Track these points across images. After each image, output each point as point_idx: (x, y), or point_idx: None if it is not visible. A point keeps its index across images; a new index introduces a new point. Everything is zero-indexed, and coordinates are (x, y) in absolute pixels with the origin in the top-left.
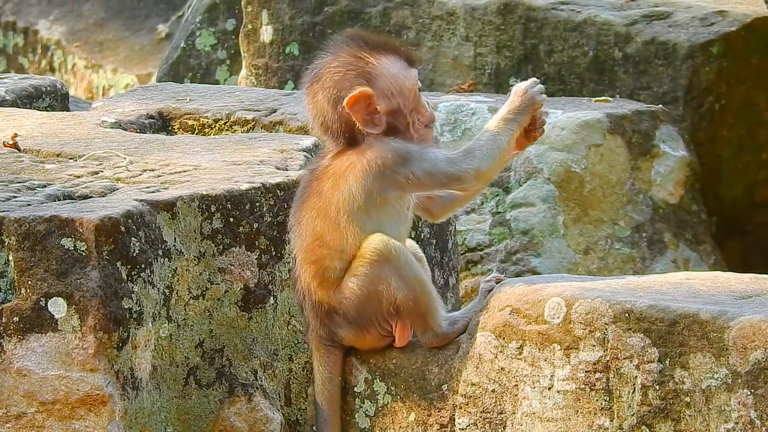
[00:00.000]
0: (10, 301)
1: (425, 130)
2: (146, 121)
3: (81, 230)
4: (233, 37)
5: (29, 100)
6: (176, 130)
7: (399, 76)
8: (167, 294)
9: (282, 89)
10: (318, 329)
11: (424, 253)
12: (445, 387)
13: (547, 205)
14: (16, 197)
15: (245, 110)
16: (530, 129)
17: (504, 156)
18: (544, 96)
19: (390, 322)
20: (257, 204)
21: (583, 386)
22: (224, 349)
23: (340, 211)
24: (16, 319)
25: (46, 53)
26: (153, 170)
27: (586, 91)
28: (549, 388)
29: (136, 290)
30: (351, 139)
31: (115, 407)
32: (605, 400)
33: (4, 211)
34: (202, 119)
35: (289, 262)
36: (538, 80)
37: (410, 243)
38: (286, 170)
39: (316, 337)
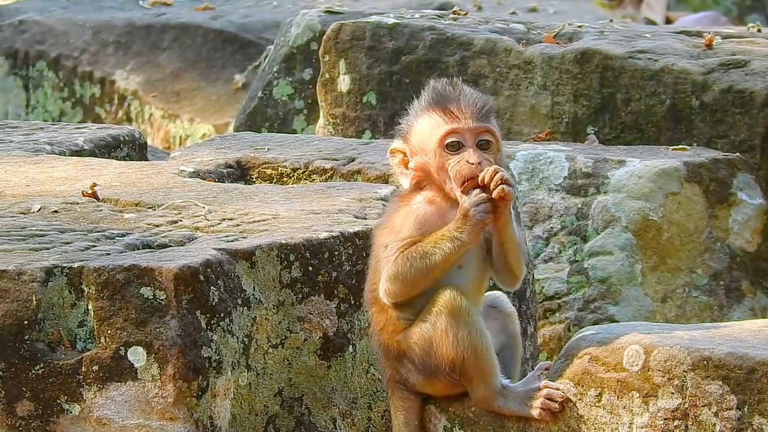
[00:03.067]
0: (89, 350)
1: (459, 190)
2: (224, 171)
3: (160, 279)
4: (310, 86)
5: (107, 149)
6: (255, 180)
7: (425, 134)
8: (246, 343)
9: (359, 138)
10: (391, 373)
11: None
12: None
13: (625, 254)
14: (95, 246)
15: (323, 159)
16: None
17: (432, 274)
18: (488, 215)
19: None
20: (336, 253)
21: None
22: (303, 397)
23: (380, 260)
24: (95, 368)
25: (122, 103)
26: (231, 219)
27: (663, 140)
28: None
29: (215, 339)
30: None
31: None
32: None
33: (83, 261)
34: (280, 168)
35: (368, 311)
36: (483, 196)
37: (499, 296)
38: (365, 219)
39: (391, 381)
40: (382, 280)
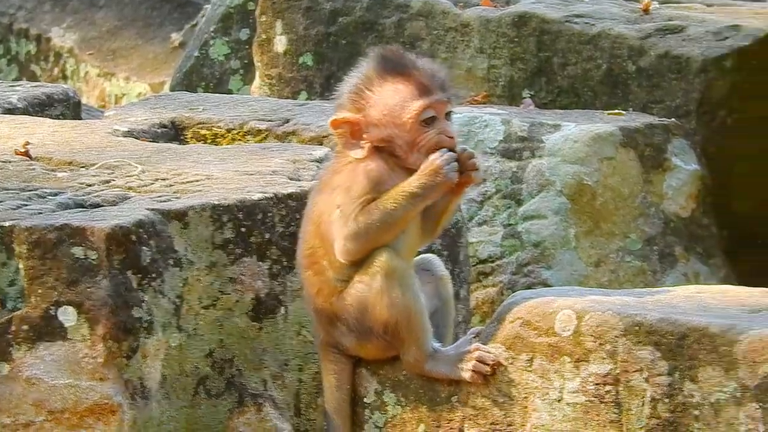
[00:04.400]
0: (20, 309)
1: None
2: (159, 131)
3: (92, 239)
4: (247, 46)
5: (41, 108)
6: (189, 140)
7: (396, 108)
8: (178, 303)
9: (295, 99)
10: (324, 336)
11: None
12: (454, 399)
13: (559, 218)
14: (27, 205)
15: (258, 120)
16: (462, 182)
17: (394, 229)
18: (456, 174)
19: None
20: (269, 214)
21: (593, 399)
22: (234, 359)
23: (326, 222)
24: (25, 327)
25: (58, 61)
26: (165, 179)
27: (599, 104)
28: (558, 401)
29: (146, 299)
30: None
31: (124, 416)
32: (615, 413)
33: (14, 220)
34: (215, 129)
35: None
36: (454, 155)
37: (432, 259)
38: (299, 180)
39: (323, 344)
40: (340, 239)
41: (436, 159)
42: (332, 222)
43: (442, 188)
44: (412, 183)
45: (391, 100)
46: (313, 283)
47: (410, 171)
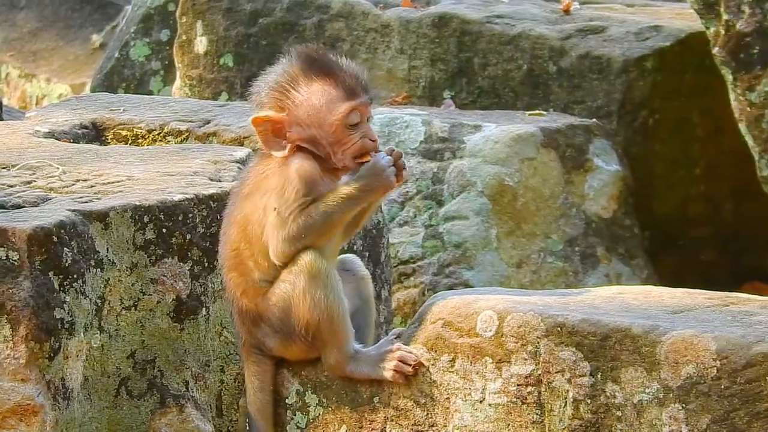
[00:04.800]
0: None
1: (352, 162)
2: (80, 132)
3: (13, 240)
4: (167, 47)
5: None
6: (110, 141)
7: (322, 109)
8: (99, 304)
9: (216, 100)
10: (247, 337)
11: None
12: (376, 399)
13: (480, 218)
14: None
15: (179, 121)
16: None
17: (332, 232)
18: (395, 177)
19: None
20: (190, 215)
21: (515, 399)
22: (156, 359)
23: (254, 224)
24: None
25: None
26: (86, 180)
27: (520, 105)
28: (480, 401)
29: (68, 300)
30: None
31: (46, 417)
32: (537, 414)
33: None
34: (135, 130)
35: (221, 273)
36: (392, 159)
37: (353, 260)
38: (219, 181)
39: (246, 346)
40: (277, 241)
41: (379, 162)
42: (266, 224)
43: (383, 191)
44: (352, 185)
45: (318, 101)
46: (238, 284)
47: (332, 171)
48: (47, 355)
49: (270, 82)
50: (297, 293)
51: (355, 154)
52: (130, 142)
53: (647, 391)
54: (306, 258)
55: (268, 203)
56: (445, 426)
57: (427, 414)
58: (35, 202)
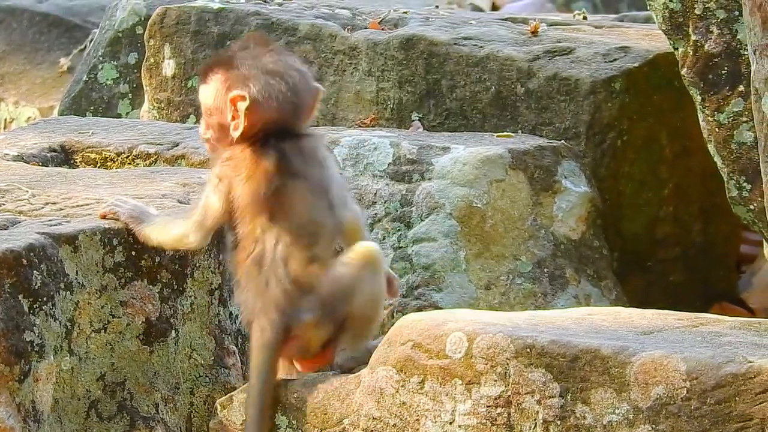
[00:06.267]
0: None
1: None
2: (49, 155)
3: None
4: (135, 70)
5: None
6: (79, 164)
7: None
8: (69, 327)
9: (184, 123)
10: (278, 314)
11: None
12: (346, 421)
13: (449, 240)
14: None
15: (147, 144)
16: None
17: None
18: None
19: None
20: None
21: (485, 421)
22: (126, 382)
23: None
24: None
25: None
26: (55, 203)
27: (488, 127)
28: (450, 423)
29: (38, 323)
30: None
31: None
32: None
33: None
34: (104, 153)
35: (191, 296)
36: None
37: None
38: (188, 204)
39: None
40: None
41: None
42: None
43: None
44: None
45: None
46: (304, 258)
47: None
48: (17, 378)
49: None
50: (357, 278)
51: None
52: (98, 165)
53: (617, 412)
54: (372, 247)
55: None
56: None
57: None
58: (4, 225)
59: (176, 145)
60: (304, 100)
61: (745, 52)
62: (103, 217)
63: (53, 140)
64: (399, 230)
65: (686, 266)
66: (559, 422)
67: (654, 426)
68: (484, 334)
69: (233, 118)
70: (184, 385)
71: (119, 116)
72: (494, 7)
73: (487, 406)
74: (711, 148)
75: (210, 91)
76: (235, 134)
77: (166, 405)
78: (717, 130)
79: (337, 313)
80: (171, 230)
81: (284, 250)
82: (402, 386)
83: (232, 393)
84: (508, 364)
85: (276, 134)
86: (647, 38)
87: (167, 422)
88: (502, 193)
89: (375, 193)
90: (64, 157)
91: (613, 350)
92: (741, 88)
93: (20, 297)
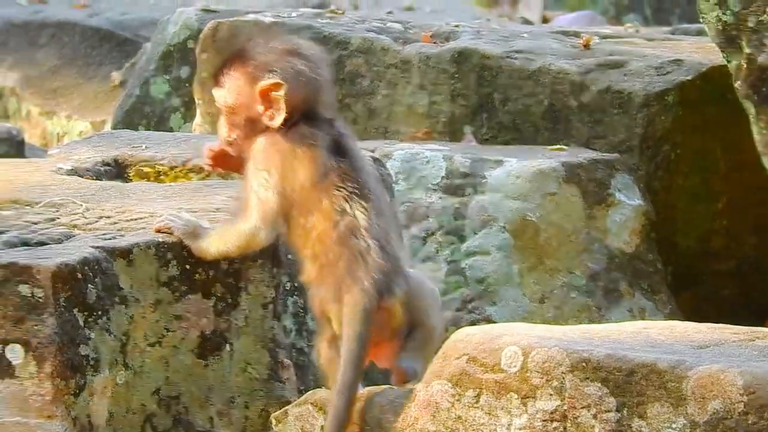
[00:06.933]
0: None
1: None
2: (102, 168)
3: (38, 277)
4: (187, 84)
5: None
6: (132, 178)
7: None
8: (124, 341)
9: None
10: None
11: None
12: None
13: (503, 254)
14: None
15: (201, 158)
16: None
17: None
18: None
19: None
20: None
21: None
22: (180, 396)
23: None
24: None
25: None
26: (109, 217)
27: (540, 140)
28: None
29: (93, 337)
30: None
31: None
32: None
33: None
34: (158, 166)
35: (245, 310)
36: None
37: None
38: None
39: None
40: None
41: None
42: None
43: None
44: None
45: None
46: None
47: None
48: (73, 392)
49: None
50: (433, 292)
51: None
52: (152, 178)
53: (674, 426)
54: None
55: None
56: None
57: None
58: (59, 239)
59: None
60: (325, 77)
61: None
62: (158, 231)
63: (107, 154)
64: (452, 244)
65: (740, 280)
66: None
67: None
68: (540, 347)
69: (267, 108)
70: (239, 399)
71: (171, 130)
72: (544, 20)
73: (543, 421)
74: (765, 160)
75: (230, 90)
76: (276, 123)
77: (220, 419)
78: None
79: (415, 309)
80: (233, 235)
81: (380, 225)
82: (457, 400)
83: (286, 407)
84: (563, 378)
85: (305, 117)
86: (700, 51)
87: None
88: (556, 206)
89: (428, 207)
90: (117, 170)
91: (669, 364)
92: None
93: (75, 311)
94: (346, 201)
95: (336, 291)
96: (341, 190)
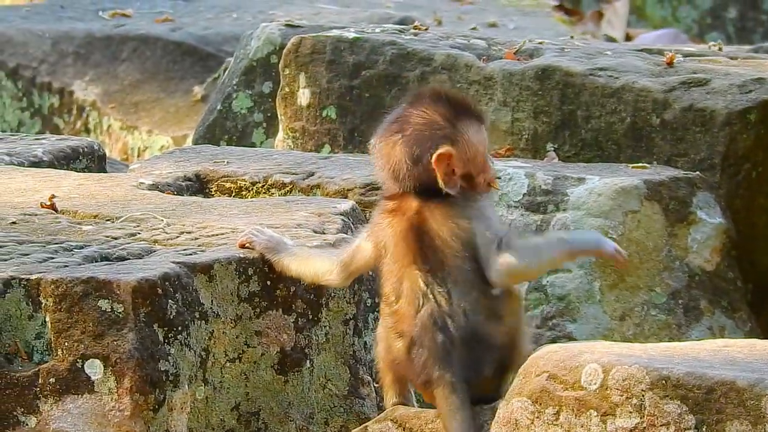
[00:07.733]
0: (46, 362)
1: (486, 188)
2: (183, 184)
3: (118, 292)
4: (270, 99)
5: (66, 161)
6: (214, 193)
7: (475, 142)
8: (204, 356)
9: (318, 152)
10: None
11: None
12: None
13: (584, 271)
14: (53, 258)
15: (283, 173)
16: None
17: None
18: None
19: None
20: None
21: None
22: (260, 412)
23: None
24: (52, 380)
25: (81, 114)
26: (190, 232)
27: (623, 158)
28: None
29: (172, 352)
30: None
31: None
32: None
33: (41, 273)
34: (239, 182)
35: (325, 326)
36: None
37: None
38: (323, 233)
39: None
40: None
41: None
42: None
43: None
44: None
45: (473, 136)
46: (484, 309)
47: None
48: (152, 407)
49: (423, 125)
50: (524, 324)
51: (491, 180)
52: (233, 194)
53: None
54: (521, 294)
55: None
56: None
57: None
58: (140, 254)
59: (311, 175)
60: None
61: None
62: (242, 246)
63: (188, 169)
64: None
65: None
66: None
67: None
68: (620, 365)
69: (440, 176)
70: (319, 415)
71: (253, 145)
72: (628, 38)
73: None
74: None
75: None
76: (452, 189)
77: None
78: None
79: (508, 361)
80: (314, 264)
81: (460, 303)
82: (537, 417)
83: (366, 423)
84: (643, 395)
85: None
86: None
87: None
88: (638, 224)
89: (510, 224)
90: (199, 186)
91: (749, 382)
92: None
93: (155, 326)
94: (427, 280)
95: (429, 370)
96: (425, 266)
